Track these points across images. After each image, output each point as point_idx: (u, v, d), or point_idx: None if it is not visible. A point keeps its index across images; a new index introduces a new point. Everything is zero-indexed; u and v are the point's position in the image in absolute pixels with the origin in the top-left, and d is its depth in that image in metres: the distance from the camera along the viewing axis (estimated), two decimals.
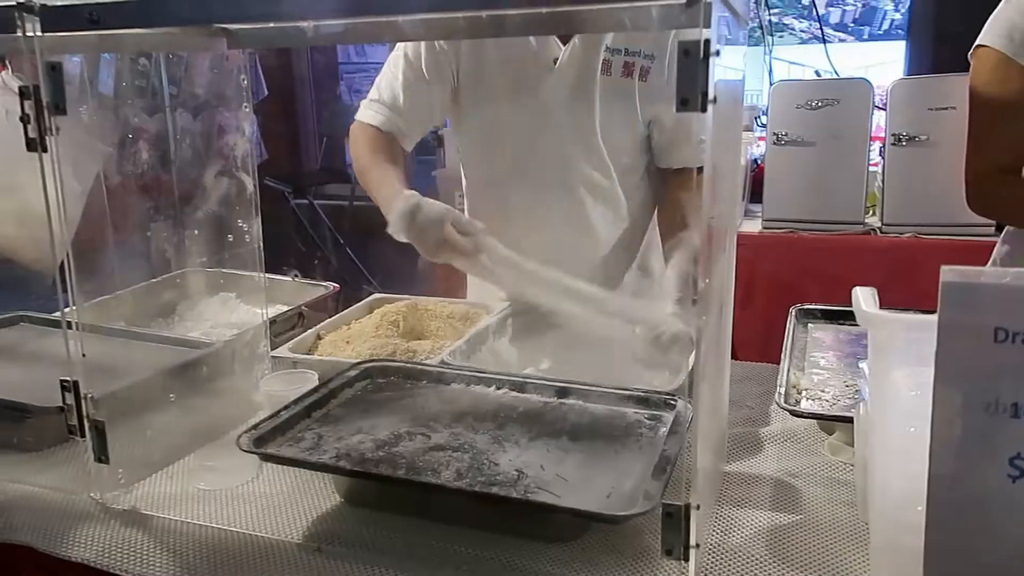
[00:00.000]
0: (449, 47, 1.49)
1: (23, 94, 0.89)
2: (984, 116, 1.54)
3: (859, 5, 3.62)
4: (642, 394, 1.08)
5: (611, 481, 0.89)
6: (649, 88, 1.47)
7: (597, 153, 1.51)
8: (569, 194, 1.54)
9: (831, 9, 3.66)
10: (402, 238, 1.31)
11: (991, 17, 1.54)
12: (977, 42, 1.55)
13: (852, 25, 3.67)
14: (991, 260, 1.75)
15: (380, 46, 5.29)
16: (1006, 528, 0.65)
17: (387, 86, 1.54)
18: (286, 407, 1.04)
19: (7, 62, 1.54)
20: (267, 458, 0.97)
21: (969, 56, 1.59)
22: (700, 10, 0.66)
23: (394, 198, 1.32)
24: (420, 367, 1.21)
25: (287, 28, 1.03)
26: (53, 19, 0.87)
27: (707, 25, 0.66)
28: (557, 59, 1.46)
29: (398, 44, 1.56)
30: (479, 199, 1.65)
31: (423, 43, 1.49)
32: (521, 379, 1.15)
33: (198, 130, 1.87)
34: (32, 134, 0.90)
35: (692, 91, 0.67)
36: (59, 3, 0.87)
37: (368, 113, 1.55)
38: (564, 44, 1.45)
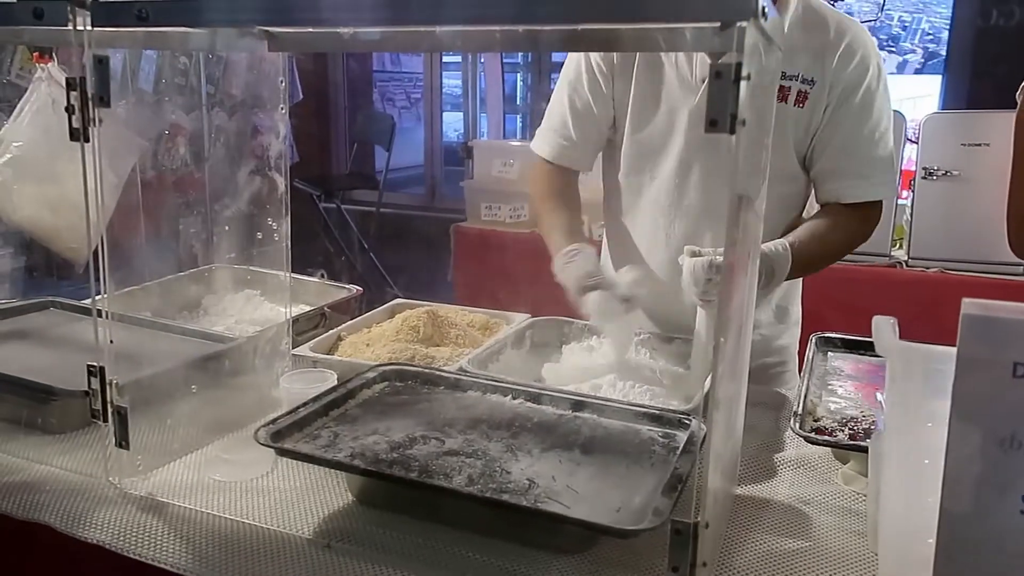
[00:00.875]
0: (606, 68, 1.48)
1: (70, 85, 0.92)
2: None
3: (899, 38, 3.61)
4: (657, 412, 1.08)
5: (621, 495, 0.90)
6: (806, 115, 1.41)
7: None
8: (706, 221, 1.46)
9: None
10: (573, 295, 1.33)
11: None
12: None
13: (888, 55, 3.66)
14: None
15: (414, 56, 5.36)
16: (1018, 565, 0.65)
17: (557, 113, 1.55)
18: (304, 404, 1.06)
19: (54, 54, 1.59)
20: (283, 453, 0.98)
21: (1018, 95, 1.57)
22: (734, 33, 0.67)
23: (558, 252, 1.38)
24: (437, 373, 1.22)
25: (326, 33, 1.05)
26: (103, 14, 0.90)
27: (740, 49, 0.67)
28: (707, 78, 1.40)
29: (563, 69, 1.56)
30: (615, 213, 1.59)
31: (583, 66, 1.49)
32: (537, 390, 1.16)
33: (233, 129, 1.90)
34: (76, 124, 0.93)
35: (722, 113, 0.68)
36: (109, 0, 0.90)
37: (540, 144, 1.58)
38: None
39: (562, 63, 1.59)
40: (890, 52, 3.66)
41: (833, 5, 3.37)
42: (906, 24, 3.63)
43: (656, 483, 0.91)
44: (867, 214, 1.47)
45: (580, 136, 1.53)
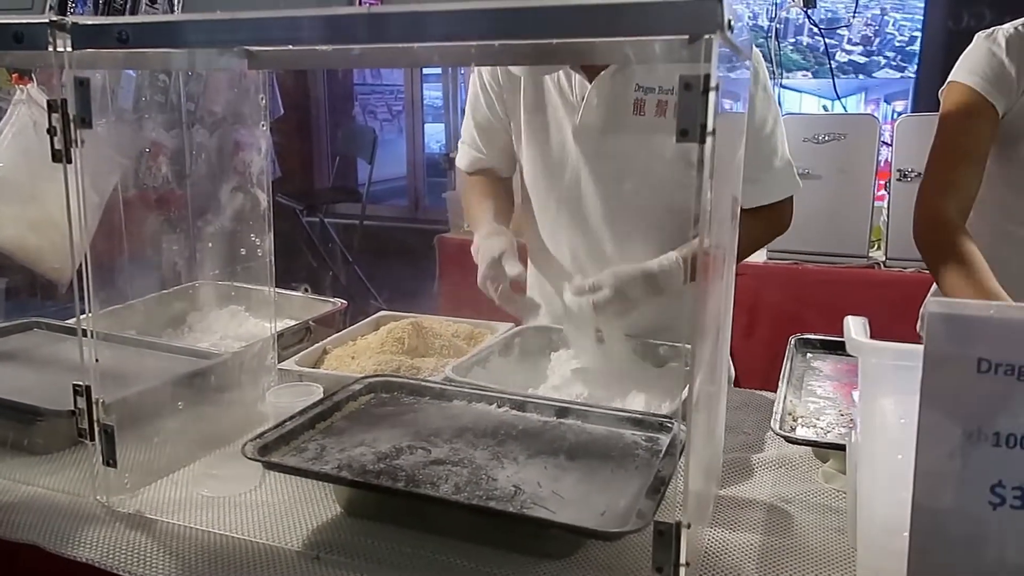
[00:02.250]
0: (496, 85, 1.55)
1: (51, 107, 0.93)
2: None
3: (869, 39, 3.67)
4: (639, 416, 1.10)
5: (606, 499, 0.91)
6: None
7: (631, 194, 1.47)
8: (608, 233, 1.51)
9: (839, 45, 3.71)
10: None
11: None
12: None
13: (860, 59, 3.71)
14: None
15: (395, 70, 5.37)
16: (988, 555, 0.67)
17: (466, 128, 1.66)
18: (291, 418, 1.07)
19: (33, 75, 1.59)
20: (270, 466, 0.99)
21: (941, 92, 1.58)
22: (701, 46, 0.69)
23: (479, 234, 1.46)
24: (423, 383, 1.24)
25: (307, 51, 1.07)
26: (83, 36, 0.91)
27: (707, 60, 0.69)
28: (584, 98, 1.44)
29: (469, 88, 1.65)
30: (533, 226, 1.64)
31: (478, 82, 1.57)
32: (522, 398, 1.17)
33: (214, 146, 1.91)
34: (58, 146, 0.93)
35: (692, 123, 0.70)
36: (90, 22, 0.91)
37: (460, 157, 1.69)
38: (590, 83, 1.43)
39: None
40: (865, 55, 3.71)
41: (814, 7, 3.43)
42: (877, 28, 3.69)
43: (640, 486, 0.93)
44: (769, 215, 1.50)
45: (489, 149, 1.63)
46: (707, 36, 0.69)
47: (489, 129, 1.61)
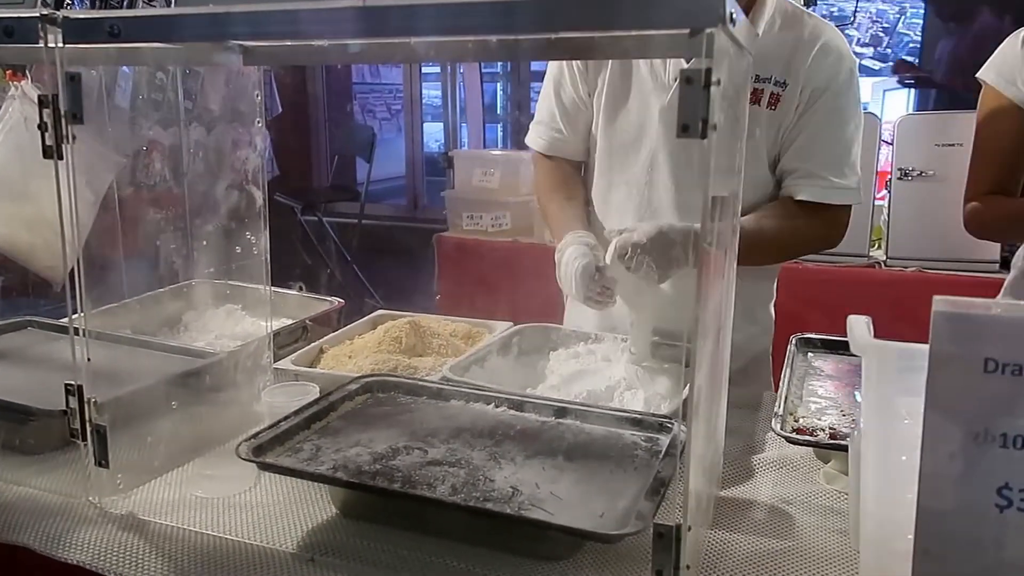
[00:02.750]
0: (582, 65, 1.50)
1: (42, 103, 0.92)
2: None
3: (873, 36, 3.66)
4: (639, 416, 1.09)
5: (605, 501, 0.90)
6: (778, 117, 1.41)
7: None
8: (673, 220, 1.45)
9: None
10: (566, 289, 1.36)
11: None
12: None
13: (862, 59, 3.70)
14: (1002, 290, 1.74)
15: (394, 68, 5.36)
16: (994, 558, 0.66)
17: (545, 108, 1.59)
18: (286, 418, 1.06)
19: (27, 72, 1.58)
20: (264, 467, 0.98)
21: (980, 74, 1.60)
22: (703, 40, 0.68)
23: (565, 246, 1.38)
24: (420, 383, 1.22)
25: (302, 47, 1.05)
26: (75, 31, 0.89)
27: (709, 55, 0.68)
28: (677, 79, 1.42)
29: (549, 66, 1.60)
30: (602, 209, 1.60)
31: (563, 62, 1.52)
32: (520, 398, 1.16)
33: (211, 144, 1.90)
34: (49, 142, 0.92)
35: (693, 118, 0.69)
36: (81, 16, 0.89)
37: (533, 138, 1.61)
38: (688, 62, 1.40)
39: (541, 72, 1.61)
40: (867, 55, 3.71)
41: (815, 5, 3.42)
42: (883, 27, 3.68)
43: (639, 488, 0.92)
44: (825, 217, 1.46)
45: (569, 129, 1.56)
46: (708, 30, 0.67)
47: (573, 108, 1.54)
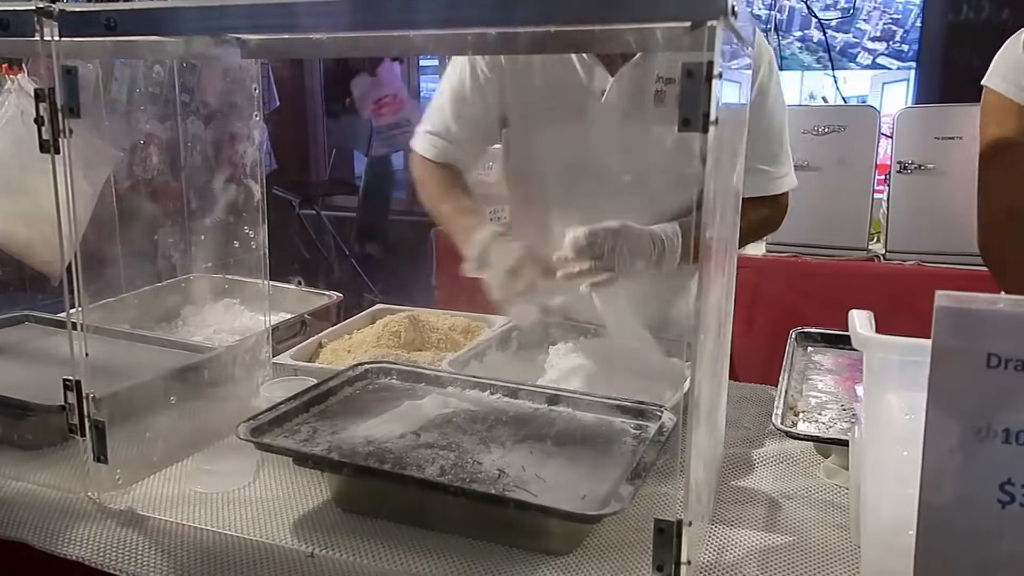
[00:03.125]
0: (493, 74, 1.48)
1: (38, 96, 0.91)
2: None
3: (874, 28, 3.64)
4: (629, 404, 1.09)
5: (588, 484, 0.91)
6: None
7: (641, 188, 1.43)
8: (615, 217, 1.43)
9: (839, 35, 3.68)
10: (476, 273, 1.35)
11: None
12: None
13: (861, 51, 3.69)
14: None
15: (392, 59, 5.34)
16: (996, 553, 0.66)
17: (438, 116, 1.55)
18: (285, 401, 1.07)
19: (24, 65, 1.57)
20: (260, 447, 0.98)
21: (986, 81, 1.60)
22: (704, 33, 0.67)
23: (472, 228, 1.37)
24: (418, 370, 1.23)
25: (300, 40, 1.05)
26: (71, 24, 0.89)
27: (710, 48, 0.67)
28: (604, 91, 1.42)
29: (446, 73, 1.56)
30: (523, 220, 1.62)
31: (467, 70, 1.49)
32: (515, 385, 1.16)
33: (208, 137, 1.89)
34: (46, 136, 0.91)
35: (694, 112, 0.68)
36: (77, 9, 0.89)
37: (424, 145, 1.57)
38: (612, 76, 1.41)
39: None
40: (866, 48, 3.69)
41: None
42: (877, 20, 3.67)
43: (623, 472, 0.93)
44: (770, 206, 1.51)
45: (465, 138, 1.54)
46: (710, 23, 0.67)
47: (475, 118, 1.52)
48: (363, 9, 0.84)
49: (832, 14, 3.63)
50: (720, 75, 0.68)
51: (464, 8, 0.77)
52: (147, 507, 1.00)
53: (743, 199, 1.43)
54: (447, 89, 1.54)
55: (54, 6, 0.88)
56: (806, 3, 3.42)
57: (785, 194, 1.53)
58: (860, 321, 0.78)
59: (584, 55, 1.41)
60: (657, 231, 1.32)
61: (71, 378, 0.99)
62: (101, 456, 1.00)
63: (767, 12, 3.61)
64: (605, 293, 1.29)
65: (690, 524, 0.76)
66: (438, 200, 1.55)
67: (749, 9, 3.57)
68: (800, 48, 3.72)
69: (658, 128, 1.40)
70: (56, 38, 0.89)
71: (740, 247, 1.49)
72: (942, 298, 0.64)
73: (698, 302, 0.74)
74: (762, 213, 1.50)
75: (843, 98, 3.39)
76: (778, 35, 3.60)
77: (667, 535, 0.76)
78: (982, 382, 0.63)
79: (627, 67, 1.40)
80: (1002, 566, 0.65)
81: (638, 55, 1.37)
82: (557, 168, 1.51)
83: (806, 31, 3.70)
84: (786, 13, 3.68)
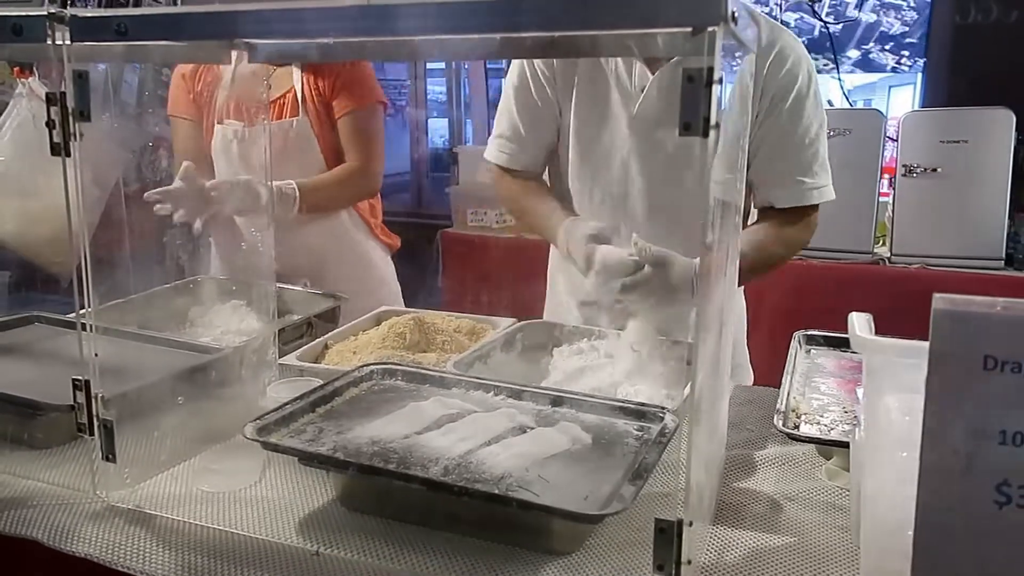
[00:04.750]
0: (548, 70, 1.50)
1: (50, 100, 0.92)
2: None
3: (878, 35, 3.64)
4: (632, 406, 1.10)
5: (590, 485, 0.91)
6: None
7: (679, 191, 1.44)
8: (650, 229, 1.44)
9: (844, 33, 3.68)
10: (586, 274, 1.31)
11: None
12: None
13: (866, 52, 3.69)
14: None
15: (399, 64, 5.36)
16: (993, 554, 0.66)
17: (506, 119, 1.58)
18: (291, 401, 1.08)
19: (35, 69, 1.59)
20: (267, 446, 0.99)
21: None
22: (704, 38, 0.68)
23: (557, 225, 1.39)
24: (423, 371, 1.24)
25: (307, 44, 1.06)
26: (82, 29, 0.90)
27: (711, 53, 0.68)
28: (644, 88, 1.43)
29: (507, 78, 1.59)
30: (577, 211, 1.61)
31: (526, 67, 1.52)
32: (519, 387, 1.17)
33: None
34: (57, 139, 0.93)
35: (695, 116, 0.69)
36: (88, 14, 0.90)
37: (493, 151, 1.60)
38: (652, 74, 1.42)
39: None
40: (872, 51, 3.69)
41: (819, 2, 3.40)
42: (884, 22, 3.66)
43: (626, 473, 0.93)
44: (805, 218, 1.49)
45: (532, 140, 1.56)
46: (710, 28, 0.68)
47: (536, 119, 1.54)
48: (370, 15, 0.85)
49: (837, 17, 3.63)
50: (720, 80, 0.69)
51: (470, 14, 0.78)
52: (155, 506, 1.01)
53: (778, 210, 1.45)
54: (510, 91, 1.56)
55: (66, 12, 0.89)
56: (811, 6, 3.42)
57: (816, 207, 1.49)
58: (859, 324, 0.79)
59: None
60: (690, 264, 1.26)
61: (80, 378, 1.00)
62: (110, 455, 1.01)
63: (769, 11, 3.61)
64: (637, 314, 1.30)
65: (691, 524, 0.76)
66: (522, 203, 1.58)
67: (775, 17, 3.57)
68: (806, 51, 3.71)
69: None
70: (67, 43, 0.91)
71: (775, 266, 1.49)
72: (939, 301, 0.64)
73: (699, 306, 0.75)
74: (788, 229, 1.47)
75: (849, 101, 3.38)
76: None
77: (667, 535, 0.76)
78: (979, 384, 0.64)
79: (668, 66, 1.40)
80: (999, 567, 0.66)
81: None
82: (602, 168, 1.51)
83: (811, 34, 3.69)
84: (789, 15, 3.68)
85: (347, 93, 1.92)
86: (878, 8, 3.61)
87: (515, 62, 1.56)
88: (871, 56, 3.68)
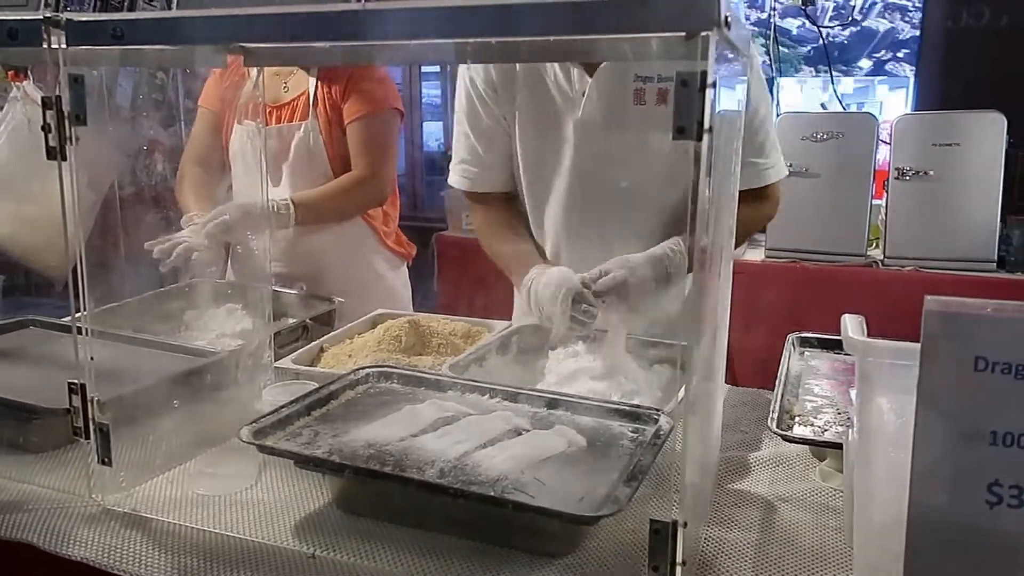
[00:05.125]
0: (491, 89, 1.51)
1: (45, 104, 0.93)
2: None
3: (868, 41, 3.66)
4: (627, 408, 1.11)
5: (586, 486, 0.92)
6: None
7: (630, 187, 1.47)
8: (606, 228, 1.51)
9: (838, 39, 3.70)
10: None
11: None
12: None
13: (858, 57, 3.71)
14: None
15: (394, 68, 5.36)
16: (985, 554, 0.67)
17: (462, 144, 1.58)
18: (287, 404, 1.08)
19: (29, 72, 1.59)
20: (263, 449, 0.99)
21: None
22: (698, 43, 0.69)
23: (539, 273, 1.41)
24: (418, 374, 1.24)
25: (303, 48, 1.06)
26: (78, 33, 0.90)
27: (704, 57, 0.68)
28: (585, 92, 1.45)
29: (456, 103, 1.59)
30: (536, 223, 1.63)
31: (470, 88, 1.52)
32: (515, 390, 1.17)
33: None
34: (52, 143, 0.93)
35: (688, 120, 0.70)
36: (84, 18, 0.90)
37: (456, 177, 1.61)
38: (591, 77, 1.44)
39: None
40: (866, 55, 3.71)
41: (812, 4, 3.42)
42: (876, 26, 3.68)
43: (620, 475, 0.94)
44: (763, 197, 1.53)
45: (492, 160, 1.57)
46: (704, 33, 0.68)
47: (491, 139, 1.55)
48: (365, 19, 0.85)
49: (832, 20, 3.65)
50: (714, 84, 0.69)
51: (465, 19, 0.79)
52: (151, 509, 1.01)
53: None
54: (461, 115, 1.57)
55: (62, 16, 0.90)
56: (804, 9, 3.44)
57: (775, 185, 1.55)
58: (852, 325, 0.80)
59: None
60: (659, 253, 1.33)
61: (76, 381, 1.00)
62: (105, 459, 1.01)
63: (766, 16, 3.62)
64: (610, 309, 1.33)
65: (685, 525, 0.77)
66: (489, 242, 1.60)
67: (771, 24, 3.58)
68: (799, 54, 3.73)
69: (639, 127, 1.43)
70: (63, 46, 0.91)
71: (737, 244, 1.51)
72: (931, 303, 0.65)
73: (694, 307, 0.75)
74: (754, 206, 1.51)
75: (842, 105, 3.40)
76: (776, 41, 3.62)
77: (662, 536, 0.77)
78: (970, 385, 0.64)
79: (603, 68, 1.43)
80: (990, 567, 0.67)
81: None
82: (551, 174, 1.53)
83: (805, 37, 3.71)
84: (785, 19, 3.70)
85: (358, 97, 1.86)
86: (869, 11, 3.63)
87: (459, 85, 1.57)
88: (865, 60, 3.70)
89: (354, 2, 0.87)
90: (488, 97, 1.52)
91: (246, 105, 1.71)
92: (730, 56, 0.81)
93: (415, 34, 0.86)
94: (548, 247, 1.58)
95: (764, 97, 1.50)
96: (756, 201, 1.51)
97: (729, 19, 0.70)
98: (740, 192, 1.47)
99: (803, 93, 3.64)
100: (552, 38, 0.86)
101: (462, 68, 1.55)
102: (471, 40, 0.89)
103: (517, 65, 1.47)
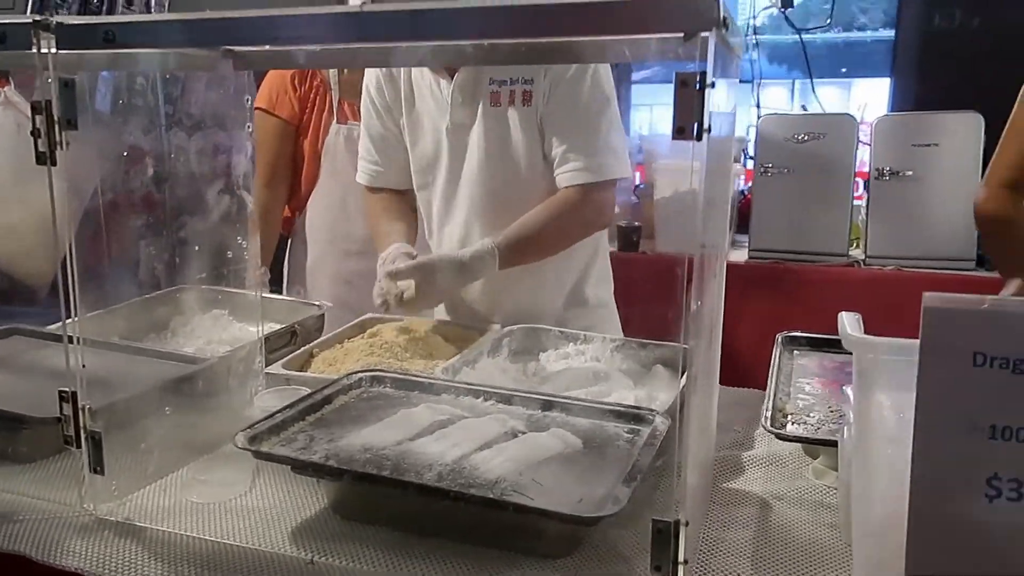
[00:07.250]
0: (382, 96, 1.63)
1: (35, 109, 0.91)
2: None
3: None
4: (622, 409, 1.11)
5: (584, 487, 0.92)
6: (533, 112, 1.53)
7: (494, 184, 1.57)
8: (480, 223, 1.60)
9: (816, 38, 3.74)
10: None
11: None
12: None
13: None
14: None
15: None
16: (985, 548, 0.68)
17: (362, 144, 1.72)
18: (280, 410, 1.07)
19: (10, 78, 1.57)
20: (258, 455, 0.99)
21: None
22: (697, 44, 0.69)
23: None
24: (412, 378, 1.24)
25: (295, 51, 1.06)
26: (68, 37, 0.89)
27: (703, 58, 0.69)
28: (450, 96, 1.55)
29: (362, 108, 1.72)
30: (426, 215, 1.73)
31: (368, 96, 1.66)
32: (509, 392, 1.17)
33: (199, 148, 1.89)
34: (42, 148, 0.92)
35: (688, 121, 0.70)
36: (75, 22, 0.89)
37: (360, 174, 1.74)
38: (451, 81, 1.54)
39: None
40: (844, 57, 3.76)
41: (791, 6, 3.46)
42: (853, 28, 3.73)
43: (618, 475, 0.94)
44: (590, 197, 1.54)
45: (385, 161, 1.69)
46: (703, 34, 0.69)
47: (385, 141, 1.67)
48: (357, 22, 0.85)
49: (810, 23, 3.69)
50: (713, 84, 0.70)
51: (460, 21, 0.79)
52: (144, 518, 1.00)
53: (566, 190, 1.53)
54: (363, 117, 1.71)
55: (51, 19, 0.88)
56: (783, 12, 3.47)
57: (607, 187, 1.55)
58: (850, 323, 0.80)
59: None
60: (464, 256, 1.48)
61: (67, 390, 0.99)
62: (97, 467, 1.00)
63: (746, 19, 3.66)
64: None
65: (687, 524, 0.77)
66: (372, 225, 1.73)
67: (752, 27, 3.61)
68: (778, 57, 3.77)
69: (495, 128, 1.54)
70: (53, 51, 0.90)
71: (567, 246, 1.59)
72: (930, 299, 0.66)
73: (692, 308, 0.76)
74: (578, 206, 1.54)
75: (822, 107, 3.44)
76: (757, 43, 3.66)
77: (665, 535, 0.77)
78: (969, 380, 0.65)
79: (459, 75, 1.53)
80: (990, 560, 0.67)
81: None
82: (434, 175, 1.63)
83: (784, 40, 3.75)
84: (765, 21, 3.73)
85: None
86: (846, 14, 3.67)
87: (364, 91, 1.69)
88: (843, 63, 3.74)
89: (354, 4, 0.87)
90: (379, 104, 1.65)
91: (342, 104, 1.97)
92: (726, 56, 0.81)
93: (410, 36, 0.86)
94: (432, 240, 1.70)
95: (598, 97, 1.52)
96: (583, 200, 1.53)
97: (727, 20, 0.71)
98: (569, 191, 1.52)
99: (783, 95, 3.68)
100: (551, 40, 0.86)
101: (366, 77, 1.68)
102: (469, 42, 0.89)
103: (402, 79, 1.60)
